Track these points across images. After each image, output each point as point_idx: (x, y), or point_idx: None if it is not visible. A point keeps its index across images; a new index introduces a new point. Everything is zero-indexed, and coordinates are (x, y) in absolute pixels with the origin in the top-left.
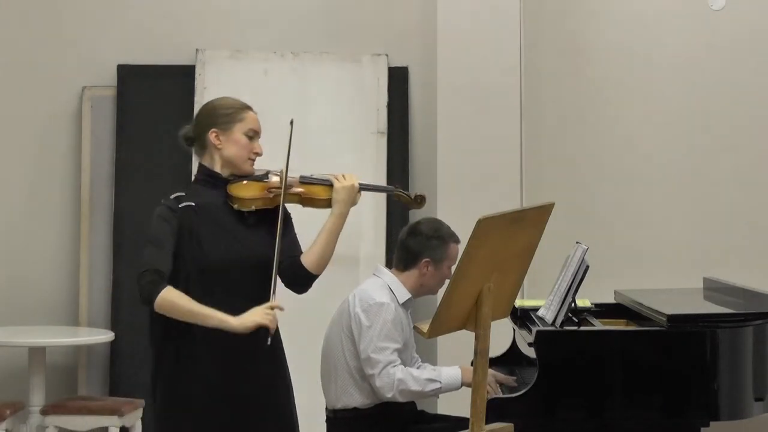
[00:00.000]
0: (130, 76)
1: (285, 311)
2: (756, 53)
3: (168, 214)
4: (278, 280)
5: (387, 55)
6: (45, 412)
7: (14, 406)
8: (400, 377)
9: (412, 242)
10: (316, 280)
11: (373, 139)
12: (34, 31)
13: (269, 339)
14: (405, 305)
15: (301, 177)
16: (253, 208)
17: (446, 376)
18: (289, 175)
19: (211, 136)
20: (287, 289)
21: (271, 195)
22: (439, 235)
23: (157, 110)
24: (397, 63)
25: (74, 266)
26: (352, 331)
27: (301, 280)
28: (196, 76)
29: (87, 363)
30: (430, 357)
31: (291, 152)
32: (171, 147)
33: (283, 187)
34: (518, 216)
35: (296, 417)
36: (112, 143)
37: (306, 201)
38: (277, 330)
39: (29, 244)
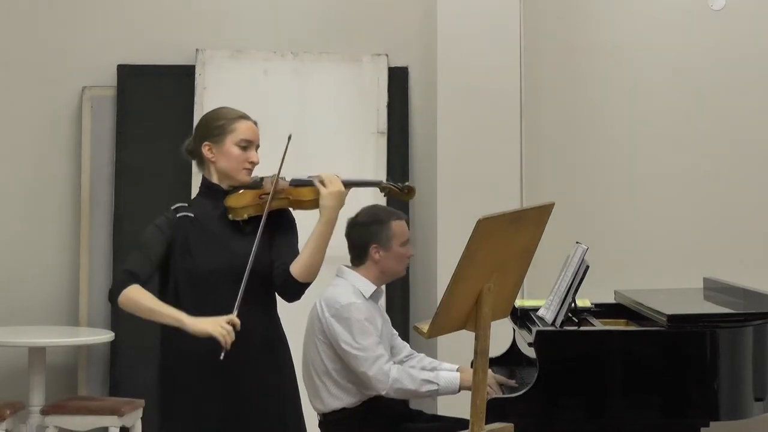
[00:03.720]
0: (130, 76)
1: (284, 312)
2: (756, 53)
3: (163, 224)
4: (271, 291)
5: (387, 55)
6: (45, 412)
7: (14, 406)
8: (395, 376)
9: (354, 235)
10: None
11: (373, 139)
12: (35, 31)
13: (222, 354)
14: (373, 298)
15: (292, 180)
16: (246, 216)
17: (444, 380)
18: (281, 179)
19: (205, 149)
20: (281, 297)
21: (262, 201)
22: (377, 219)
23: (157, 110)
24: (397, 63)
25: (74, 266)
26: (327, 336)
27: (289, 288)
28: (196, 76)
29: (87, 363)
30: (430, 357)
31: (284, 163)
32: (171, 147)
33: (271, 192)
34: (518, 216)
35: (290, 418)
36: (112, 143)
37: (295, 204)
38: (274, 335)
39: (29, 244)
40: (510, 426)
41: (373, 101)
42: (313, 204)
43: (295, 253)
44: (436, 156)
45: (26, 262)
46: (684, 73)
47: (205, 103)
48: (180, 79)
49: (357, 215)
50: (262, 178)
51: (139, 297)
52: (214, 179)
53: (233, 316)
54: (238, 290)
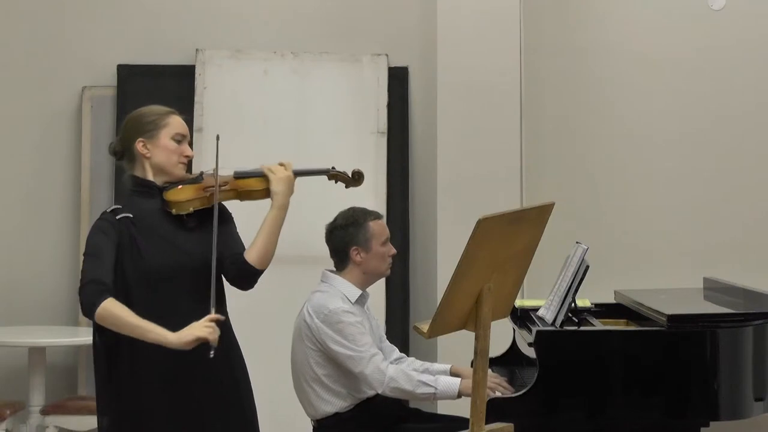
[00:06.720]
0: (130, 76)
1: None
2: (756, 53)
3: (105, 227)
4: (222, 282)
5: (387, 55)
6: (45, 412)
7: (14, 406)
8: (392, 375)
9: (334, 239)
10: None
11: (373, 139)
12: (34, 31)
13: (211, 352)
14: (359, 302)
15: (235, 172)
16: (191, 209)
17: (443, 384)
18: (223, 173)
19: (138, 145)
20: (233, 287)
21: (208, 194)
22: (353, 220)
23: None
24: (397, 63)
25: (74, 266)
26: (316, 342)
27: (245, 275)
28: (196, 76)
29: (87, 363)
30: (430, 357)
31: (219, 160)
32: None
33: (216, 184)
34: (518, 216)
35: (255, 417)
36: None
37: (243, 195)
38: (225, 336)
39: (29, 244)
40: (510, 426)
41: (373, 101)
42: (264, 193)
43: (240, 243)
44: (436, 156)
45: (26, 262)
46: (684, 73)
47: (205, 103)
48: (180, 79)
49: (334, 220)
50: (201, 173)
51: (119, 312)
52: (149, 176)
53: (212, 315)
54: (191, 284)
